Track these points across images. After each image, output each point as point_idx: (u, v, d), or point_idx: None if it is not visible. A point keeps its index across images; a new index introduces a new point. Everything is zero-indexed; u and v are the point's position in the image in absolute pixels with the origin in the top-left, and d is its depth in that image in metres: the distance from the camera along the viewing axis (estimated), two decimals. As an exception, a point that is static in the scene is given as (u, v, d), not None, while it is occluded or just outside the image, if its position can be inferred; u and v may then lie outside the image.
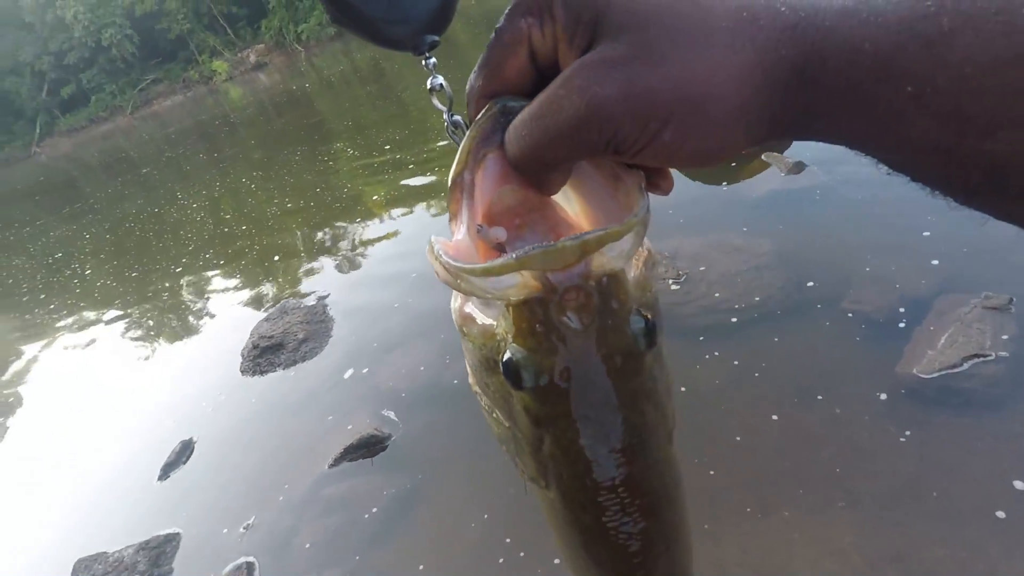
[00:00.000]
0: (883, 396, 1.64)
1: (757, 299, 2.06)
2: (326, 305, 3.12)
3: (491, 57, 0.30)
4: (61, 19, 29.81)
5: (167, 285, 4.52)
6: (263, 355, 2.85)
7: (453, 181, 0.31)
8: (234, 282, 4.15)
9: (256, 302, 3.66)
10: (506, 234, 0.32)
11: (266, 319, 3.10)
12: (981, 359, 1.58)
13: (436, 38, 0.35)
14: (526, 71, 0.30)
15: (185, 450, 2.48)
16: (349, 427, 2.22)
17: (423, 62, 0.36)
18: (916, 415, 1.56)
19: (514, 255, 0.26)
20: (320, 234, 4.31)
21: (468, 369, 0.36)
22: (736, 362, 1.89)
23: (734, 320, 2.02)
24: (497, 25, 0.29)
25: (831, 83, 0.25)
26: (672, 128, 0.26)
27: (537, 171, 0.30)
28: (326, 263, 3.78)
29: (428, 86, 0.36)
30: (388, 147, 5.65)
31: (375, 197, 4.67)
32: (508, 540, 1.63)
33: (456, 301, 0.33)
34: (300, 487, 2.09)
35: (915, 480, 1.43)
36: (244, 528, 2.01)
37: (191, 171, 8.90)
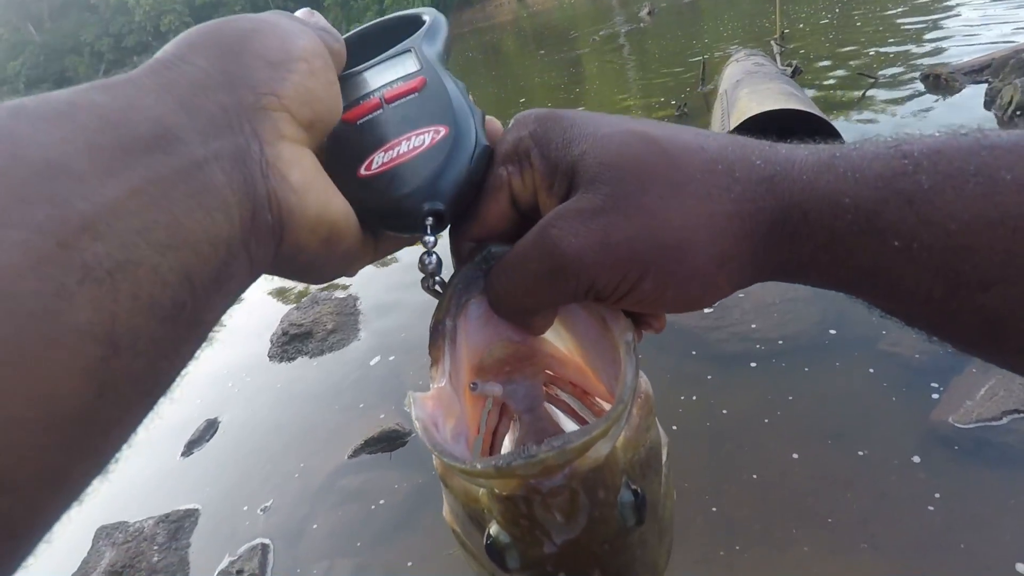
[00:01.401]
0: (915, 442, 1.61)
1: (791, 331, 2.04)
2: (356, 299, 3.17)
3: (473, 202, 0.31)
4: (124, 2, 30.97)
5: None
6: (291, 342, 2.91)
7: (434, 327, 0.31)
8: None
9: (287, 291, 3.74)
10: (501, 388, 0.32)
11: (297, 307, 3.17)
12: (1021, 415, 1.54)
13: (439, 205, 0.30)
14: (507, 215, 0.31)
15: (210, 429, 2.54)
16: (370, 420, 2.25)
17: (423, 238, 0.31)
18: (948, 465, 1.53)
19: (493, 464, 0.25)
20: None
21: (446, 505, 0.34)
22: (766, 393, 1.87)
23: (766, 350, 2.01)
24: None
25: (814, 235, 0.25)
26: (651, 277, 0.26)
27: (519, 316, 0.30)
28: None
29: (421, 255, 0.32)
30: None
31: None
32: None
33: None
34: (318, 475, 2.12)
35: (942, 531, 1.40)
36: (261, 510, 2.05)
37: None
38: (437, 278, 0.32)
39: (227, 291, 0.24)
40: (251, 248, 0.25)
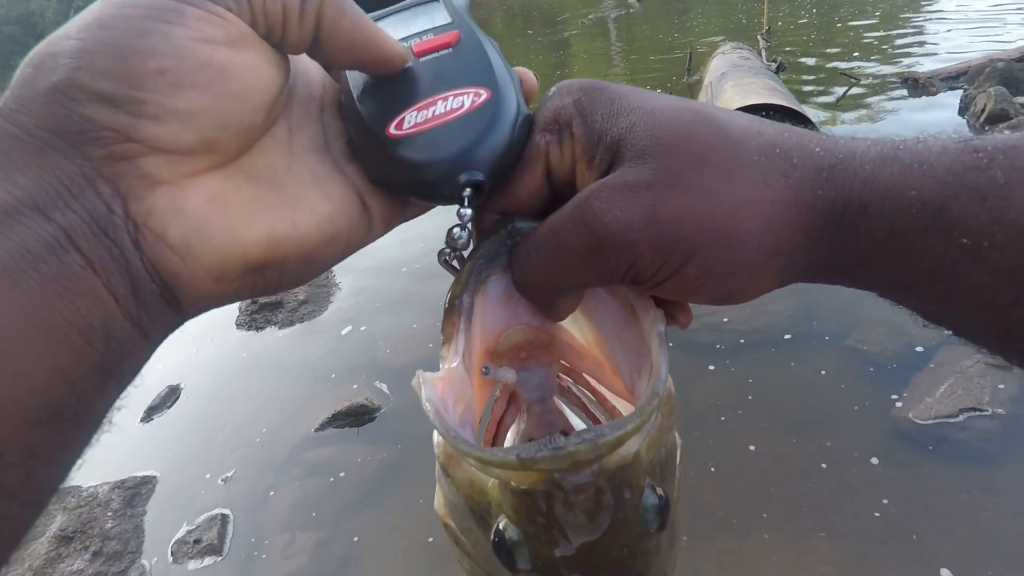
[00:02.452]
0: (875, 436, 1.65)
1: (762, 324, 2.07)
2: (331, 271, 3.11)
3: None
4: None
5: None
6: (260, 311, 2.84)
7: (451, 303, 0.29)
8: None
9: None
10: (515, 375, 0.30)
11: (267, 277, 3.09)
12: (977, 413, 1.59)
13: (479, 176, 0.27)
14: (540, 190, 0.28)
15: (172, 395, 2.47)
16: (339, 394, 2.21)
17: (458, 210, 0.29)
18: (906, 458, 1.58)
19: (517, 454, 0.23)
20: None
21: (441, 500, 0.31)
22: (736, 383, 1.90)
23: (740, 342, 2.03)
24: None
25: (873, 230, 0.23)
26: (697, 263, 0.24)
27: (545, 297, 0.28)
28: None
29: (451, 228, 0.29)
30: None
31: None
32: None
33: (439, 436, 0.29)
34: (283, 446, 2.09)
35: (897, 521, 1.45)
36: (222, 480, 2.01)
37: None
38: (458, 253, 0.29)
39: (121, 375, 0.21)
40: (143, 324, 0.21)
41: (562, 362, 0.32)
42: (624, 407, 0.31)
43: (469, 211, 0.28)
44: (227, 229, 0.23)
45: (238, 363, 2.61)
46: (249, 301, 2.87)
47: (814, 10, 6.73)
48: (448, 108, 0.27)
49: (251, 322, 2.81)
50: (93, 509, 1.94)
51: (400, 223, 0.30)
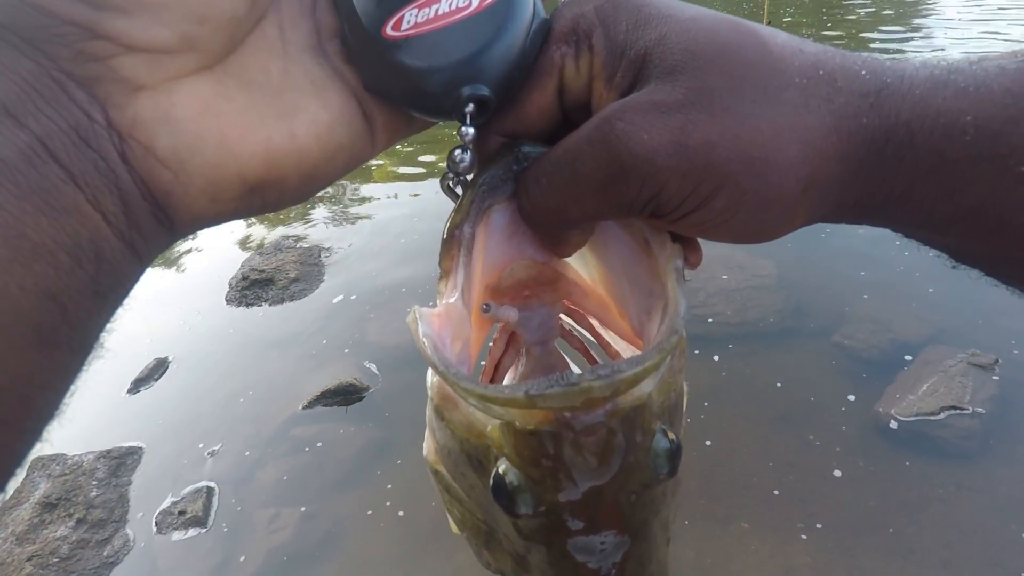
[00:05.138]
0: (858, 431, 1.68)
1: (752, 317, 2.08)
2: (322, 249, 3.09)
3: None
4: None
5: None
6: (251, 287, 2.82)
7: (450, 233, 0.26)
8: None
9: (249, 236, 3.61)
10: (517, 314, 0.28)
11: (259, 253, 3.07)
12: (958, 411, 1.62)
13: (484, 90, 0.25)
14: (550, 110, 0.25)
15: (159, 368, 2.46)
16: (328, 371, 2.21)
17: (459, 129, 0.26)
18: (886, 454, 1.61)
19: (524, 390, 0.21)
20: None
21: (431, 445, 0.30)
22: (722, 374, 1.92)
23: (726, 334, 2.05)
24: None
25: (920, 161, 0.22)
26: (726, 193, 0.22)
27: (554, 228, 0.26)
28: (327, 209, 3.74)
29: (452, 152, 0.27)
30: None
31: (386, 160, 4.61)
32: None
33: (435, 376, 0.27)
34: (270, 423, 2.09)
35: (874, 515, 1.47)
36: (209, 454, 2.01)
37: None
38: (462, 178, 0.27)
39: (114, 296, 0.20)
40: (136, 244, 0.20)
41: (565, 302, 0.30)
42: (629, 352, 0.30)
43: (471, 130, 0.25)
44: (221, 143, 0.21)
45: (227, 338, 2.60)
46: (240, 277, 2.85)
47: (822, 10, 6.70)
48: (453, 7, 0.24)
49: (241, 298, 2.80)
50: (78, 477, 1.93)
51: (408, 135, 0.27)
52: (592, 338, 0.31)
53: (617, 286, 0.29)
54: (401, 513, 1.71)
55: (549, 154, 0.25)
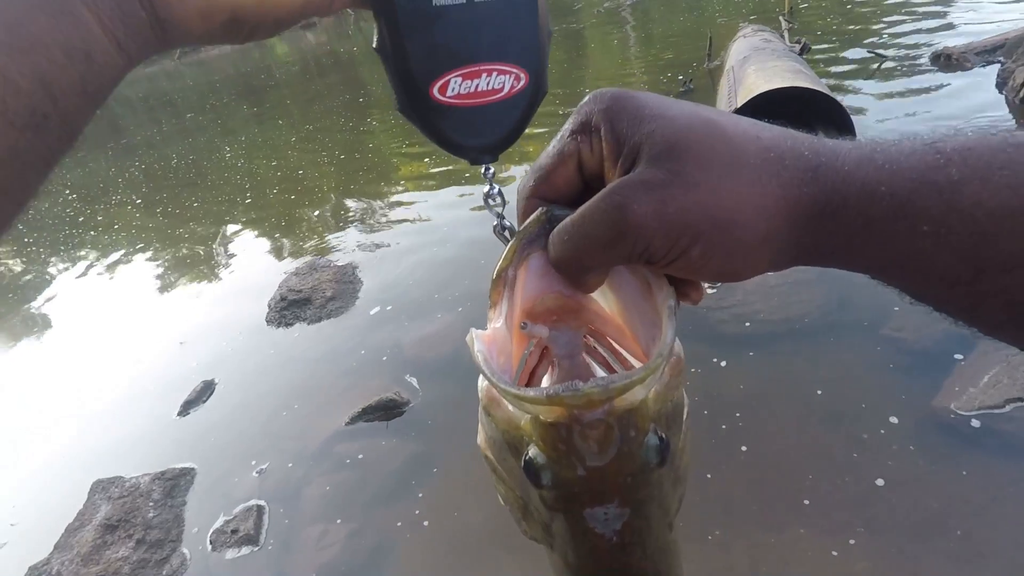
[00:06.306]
0: (915, 428, 1.60)
1: (794, 314, 2.02)
2: (356, 267, 3.14)
3: (544, 164, 0.33)
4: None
5: (199, 231, 4.59)
6: (289, 308, 2.89)
7: (498, 275, 0.34)
8: (266, 235, 4.20)
9: (284, 257, 3.70)
10: (548, 331, 0.35)
11: (295, 274, 3.13)
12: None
13: (494, 158, 0.36)
14: (573, 181, 0.33)
15: (206, 390, 2.53)
16: (368, 388, 2.24)
17: (482, 171, 0.37)
18: (948, 451, 1.53)
19: (545, 392, 0.28)
20: (354, 201, 4.32)
21: (483, 436, 0.38)
22: (766, 374, 1.86)
23: (768, 332, 1.99)
24: (555, 138, 0.34)
25: (851, 219, 0.28)
26: (700, 246, 0.29)
27: (575, 273, 0.33)
28: (358, 229, 3.80)
29: (485, 191, 0.38)
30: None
31: (409, 170, 4.67)
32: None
33: (484, 380, 0.35)
34: (315, 440, 2.12)
35: (939, 517, 1.41)
36: (257, 473, 2.05)
37: (232, 122, 8.98)
38: (506, 223, 0.36)
39: (99, 94, 0.23)
40: (129, 49, 0.23)
41: (590, 327, 0.37)
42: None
43: (492, 169, 0.36)
44: None
45: (269, 359, 2.66)
46: (279, 298, 2.92)
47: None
48: (490, 87, 0.31)
49: (280, 319, 2.86)
50: (136, 499, 2.00)
51: None
52: (612, 355, 0.39)
53: (629, 317, 0.36)
54: (446, 525, 1.71)
55: (570, 217, 0.32)
